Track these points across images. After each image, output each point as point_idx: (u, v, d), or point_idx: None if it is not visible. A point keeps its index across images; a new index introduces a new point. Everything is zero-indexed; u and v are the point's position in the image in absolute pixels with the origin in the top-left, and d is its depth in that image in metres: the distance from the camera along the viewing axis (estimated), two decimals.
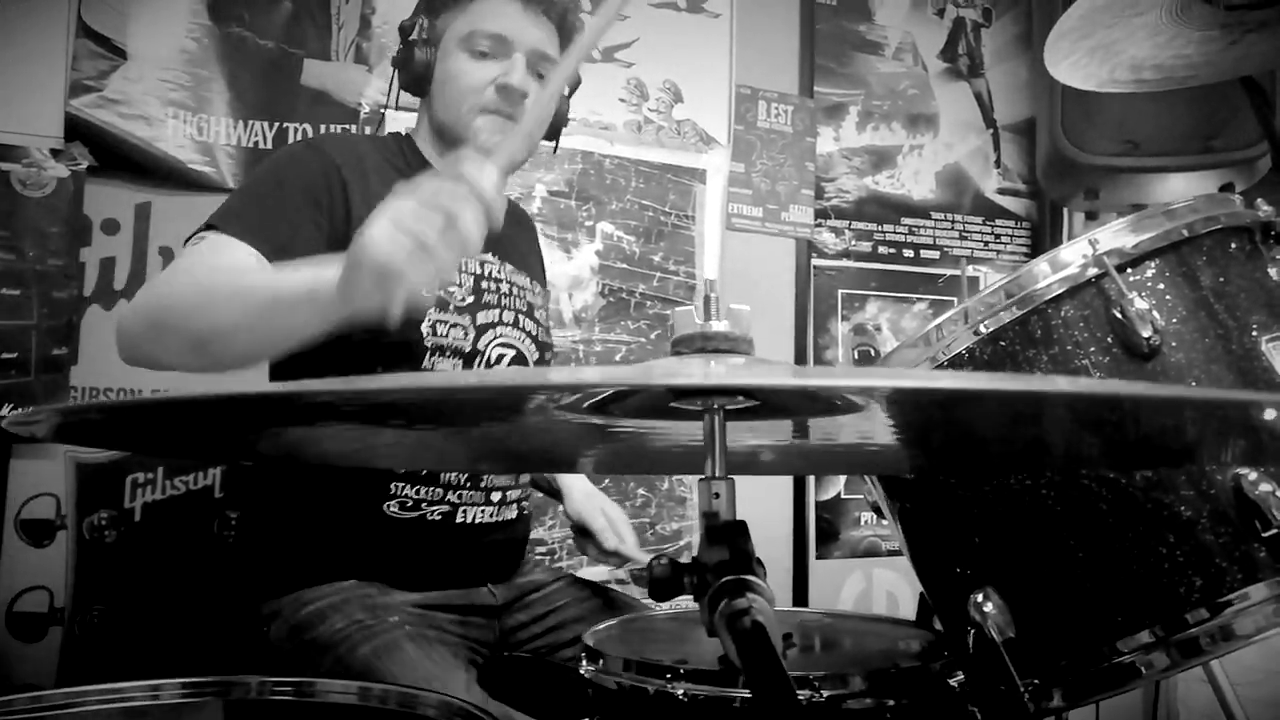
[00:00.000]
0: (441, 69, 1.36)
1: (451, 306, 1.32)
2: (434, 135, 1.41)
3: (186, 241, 1.18)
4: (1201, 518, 0.88)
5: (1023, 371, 0.94)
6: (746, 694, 0.84)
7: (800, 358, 2.38)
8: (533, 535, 1.53)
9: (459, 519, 1.31)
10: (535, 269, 1.55)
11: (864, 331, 2.47)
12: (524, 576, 1.44)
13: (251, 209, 1.21)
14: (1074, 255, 0.94)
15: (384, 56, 1.93)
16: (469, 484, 1.32)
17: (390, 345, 1.22)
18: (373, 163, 1.32)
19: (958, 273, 2.55)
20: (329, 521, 1.28)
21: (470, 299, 1.35)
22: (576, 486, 1.59)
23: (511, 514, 1.39)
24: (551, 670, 1.38)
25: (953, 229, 2.58)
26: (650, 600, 0.77)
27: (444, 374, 1.26)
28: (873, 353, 2.45)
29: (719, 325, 0.67)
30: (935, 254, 2.56)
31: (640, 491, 2.18)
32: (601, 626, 1.10)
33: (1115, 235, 0.94)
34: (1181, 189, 2.21)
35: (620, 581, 2.05)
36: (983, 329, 0.95)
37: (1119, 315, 0.91)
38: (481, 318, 1.35)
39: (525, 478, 1.46)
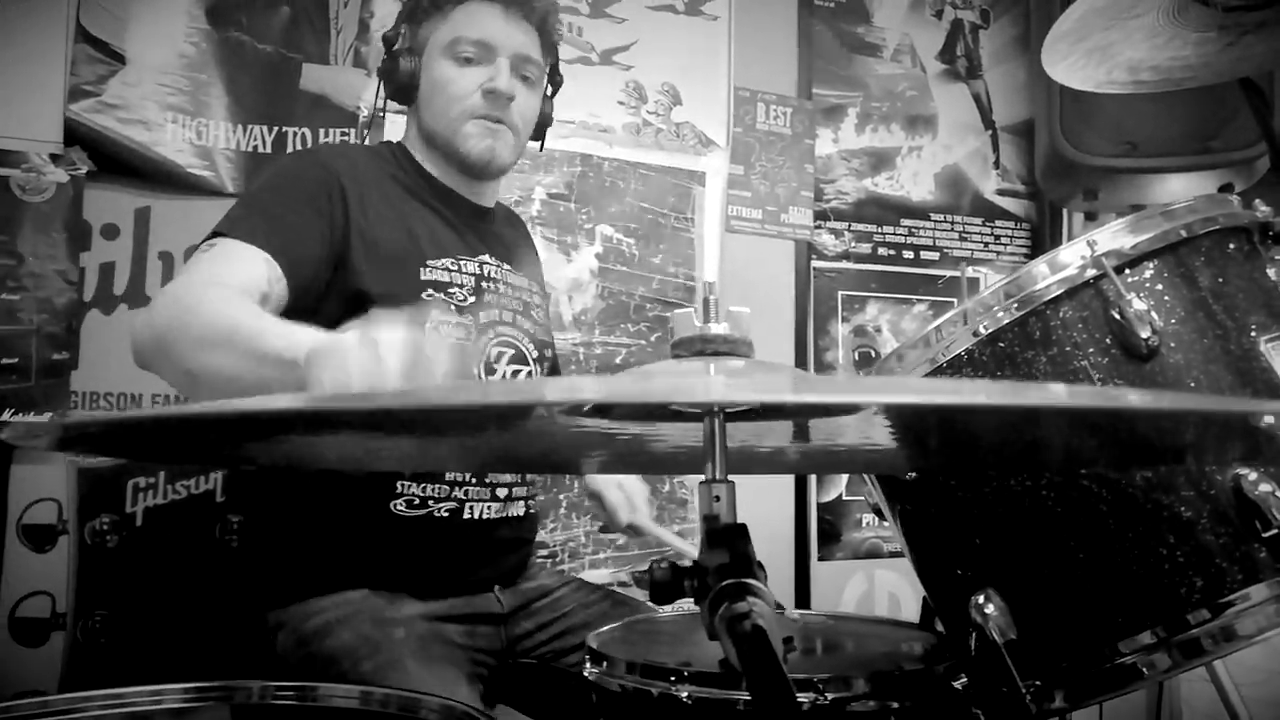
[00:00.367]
0: (427, 77, 1.40)
1: (453, 306, 1.34)
2: (423, 142, 1.44)
3: (196, 249, 1.22)
4: (1202, 518, 0.88)
5: (1022, 372, 0.94)
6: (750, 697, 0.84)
7: (800, 360, 2.38)
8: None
9: (466, 515, 1.32)
10: (532, 270, 1.56)
11: (864, 333, 2.47)
12: (530, 581, 1.45)
13: (257, 215, 1.25)
14: (1073, 256, 0.94)
15: None
16: (475, 481, 1.33)
17: None
18: (369, 172, 1.36)
19: (957, 274, 2.55)
20: (336, 523, 1.29)
21: (472, 299, 1.37)
22: None
23: (518, 510, 1.40)
24: (559, 676, 1.38)
25: (952, 230, 2.58)
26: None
27: (444, 388, 1.26)
28: (873, 354, 2.45)
29: (719, 327, 0.68)
30: (935, 255, 2.56)
31: None
32: (605, 629, 1.10)
33: (1114, 236, 0.94)
34: (1180, 190, 2.21)
35: (622, 584, 2.06)
36: (982, 330, 0.95)
37: (1118, 316, 0.91)
38: (484, 317, 1.38)
39: (531, 475, 1.46)
